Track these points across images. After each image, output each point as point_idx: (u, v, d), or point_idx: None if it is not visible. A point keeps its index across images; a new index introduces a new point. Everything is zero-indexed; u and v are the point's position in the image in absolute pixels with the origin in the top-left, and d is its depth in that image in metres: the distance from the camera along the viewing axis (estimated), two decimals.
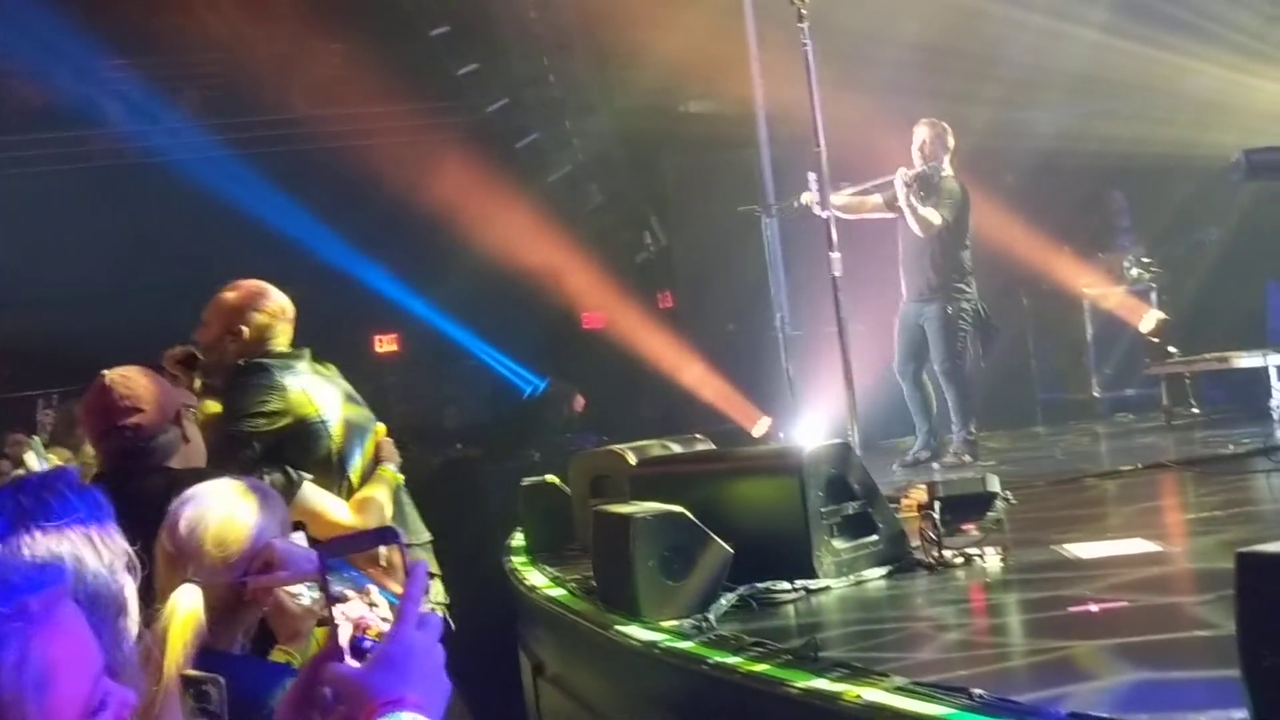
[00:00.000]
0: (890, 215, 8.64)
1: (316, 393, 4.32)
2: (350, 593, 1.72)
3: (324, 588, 1.70)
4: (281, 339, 4.40)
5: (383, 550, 1.79)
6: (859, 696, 3.24)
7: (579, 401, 13.04)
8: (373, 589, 1.72)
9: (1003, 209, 9.53)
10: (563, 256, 12.87)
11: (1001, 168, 8.90)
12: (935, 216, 8.37)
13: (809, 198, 7.72)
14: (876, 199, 8.65)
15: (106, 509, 1.98)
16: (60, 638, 1.25)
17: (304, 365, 4.38)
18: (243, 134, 12.76)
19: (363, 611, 1.71)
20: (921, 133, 8.52)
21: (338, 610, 1.68)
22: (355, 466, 4.33)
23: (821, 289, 9.10)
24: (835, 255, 6.70)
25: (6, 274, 11.46)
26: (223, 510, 2.69)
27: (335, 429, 4.29)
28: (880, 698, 3.24)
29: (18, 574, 1.28)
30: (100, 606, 1.46)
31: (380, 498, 4.31)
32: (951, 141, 8.59)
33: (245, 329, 4.34)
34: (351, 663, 1.65)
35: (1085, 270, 10.83)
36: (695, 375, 11.57)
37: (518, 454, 11.41)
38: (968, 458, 8.42)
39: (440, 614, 3.73)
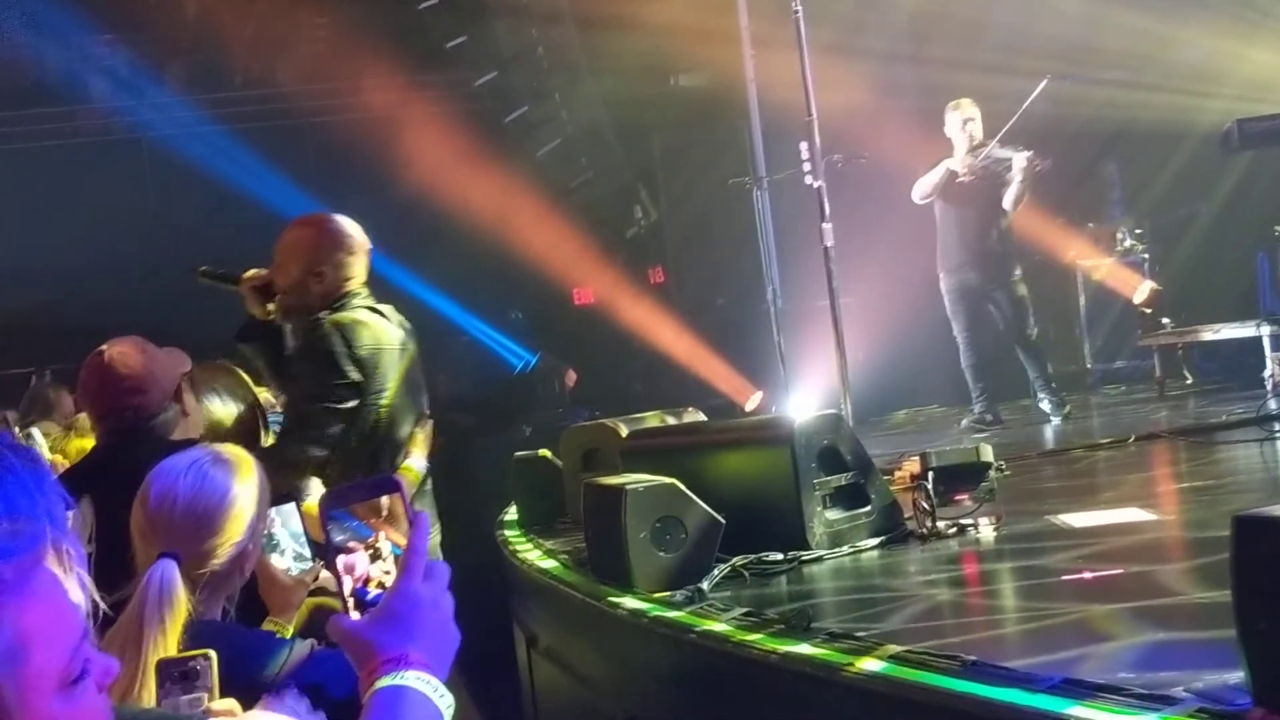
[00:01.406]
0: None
1: (384, 361, 4.20)
2: (353, 543, 1.70)
3: (326, 538, 1.68)
4: (359, 276, 4.26)
5: (384, 500, 1.76)
6: (853, 664, 3.23)
7: (570, 377, 13.03)
8: (382, 540, 1.70)
9: None
10: (553, 231, 12.83)
11: (991, 137, 8.87)
12: (1026, 193, 8.69)
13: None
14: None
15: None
16: (35, 606, 1.22)
17: (376, 318, 4.23)
18: (229, 109, 12.69)
19: (365, 563, 1.70)
20: (973, 111, 8.62)
21: (341, 561, 1.67)
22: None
23: (813, 262, 9.08)
24: (827, 226, 6.70)
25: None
26: (194, 480, 2.66)
27: (384, 406, 4.21)
28: (873, 666, 3.23)
29: None
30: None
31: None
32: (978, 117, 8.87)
33: (327, 269, 4.20)
34: (355, 615, 1.63)
35: (1077, 241, 10.81)
36: (687, 350, 11.55)
37: (509, 429, 11.39)
38: (1057, 419, 8.69)
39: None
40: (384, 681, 1.56)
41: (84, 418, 4.79)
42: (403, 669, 1.57)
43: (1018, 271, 8.92)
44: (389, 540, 1.73)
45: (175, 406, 3.73)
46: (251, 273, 4.26)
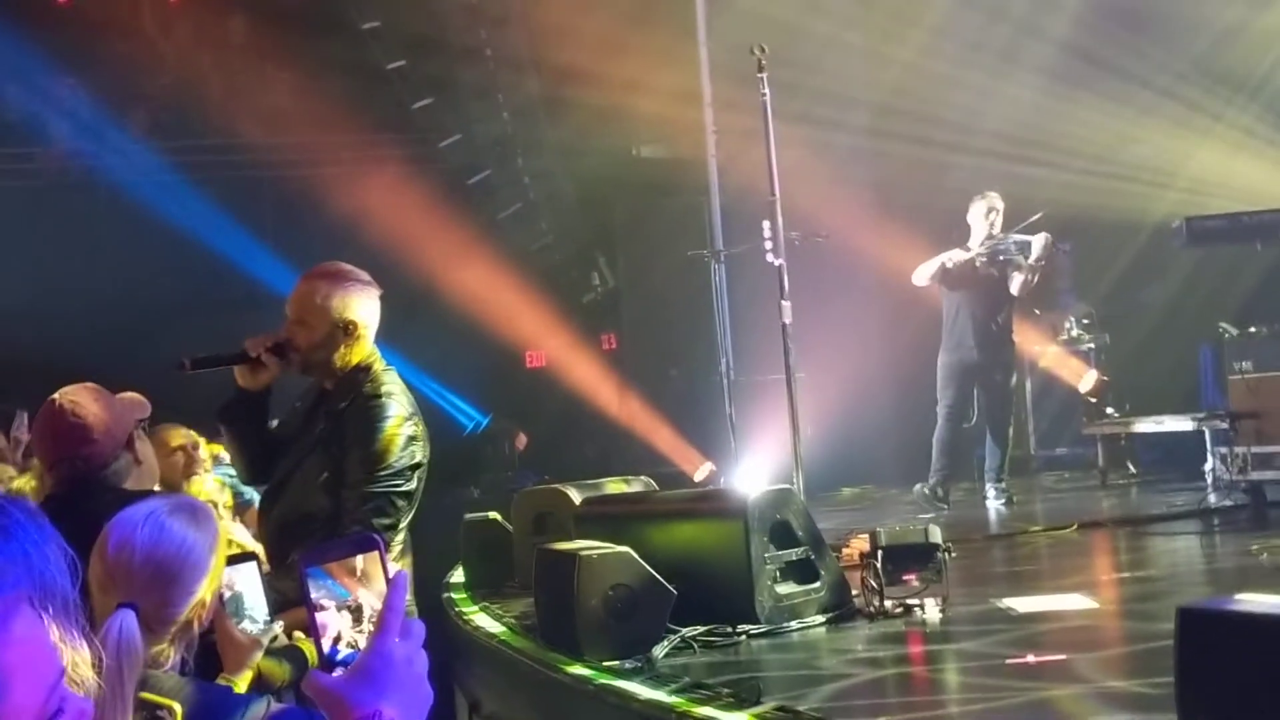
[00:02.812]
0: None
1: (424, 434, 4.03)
2: (327, 602, 1.72)
3: (304, 594, 1.71)
4: (375, 327, 4.03)
5: (359, 561, 1.78)
6: None
7: (521, 439, 13.03)
8: (362, 598, 1.73)
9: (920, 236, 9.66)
10: (509, 293, 12.88)
11: (948, 223, 9.05)
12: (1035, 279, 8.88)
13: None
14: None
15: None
16: (15, 644, 1.25)
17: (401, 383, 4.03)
18: (190, 157, 12.68)
19: (337, 622, 1.72)
20: (997, 203, 8.85)
21: (319, 619, 1.69)
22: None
23: (766, 336, 9.18)
24: (786, 304, 6.77)
25: None
26: (151, 530, 2.67)
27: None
28: None
29: None
30: (61, 612, 1.44)
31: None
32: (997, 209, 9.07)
33: (357, 324, 3.93)
34: (337, 673, 1.66)
35: (1025, 327, 10.97)
36: (638, 417, 11.60)
37: (456, 489, 11.37)
38: (1000, 505, 8.86)
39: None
40: None
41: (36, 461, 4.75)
42: None
43: (1012, 356, 9.16)
44: (366, 599, 1.76)
45: (127, 455, 3.71)
46: (254, 342, 3.96)
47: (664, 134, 11.78)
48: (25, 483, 5.45)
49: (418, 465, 3.91)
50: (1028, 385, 11.27)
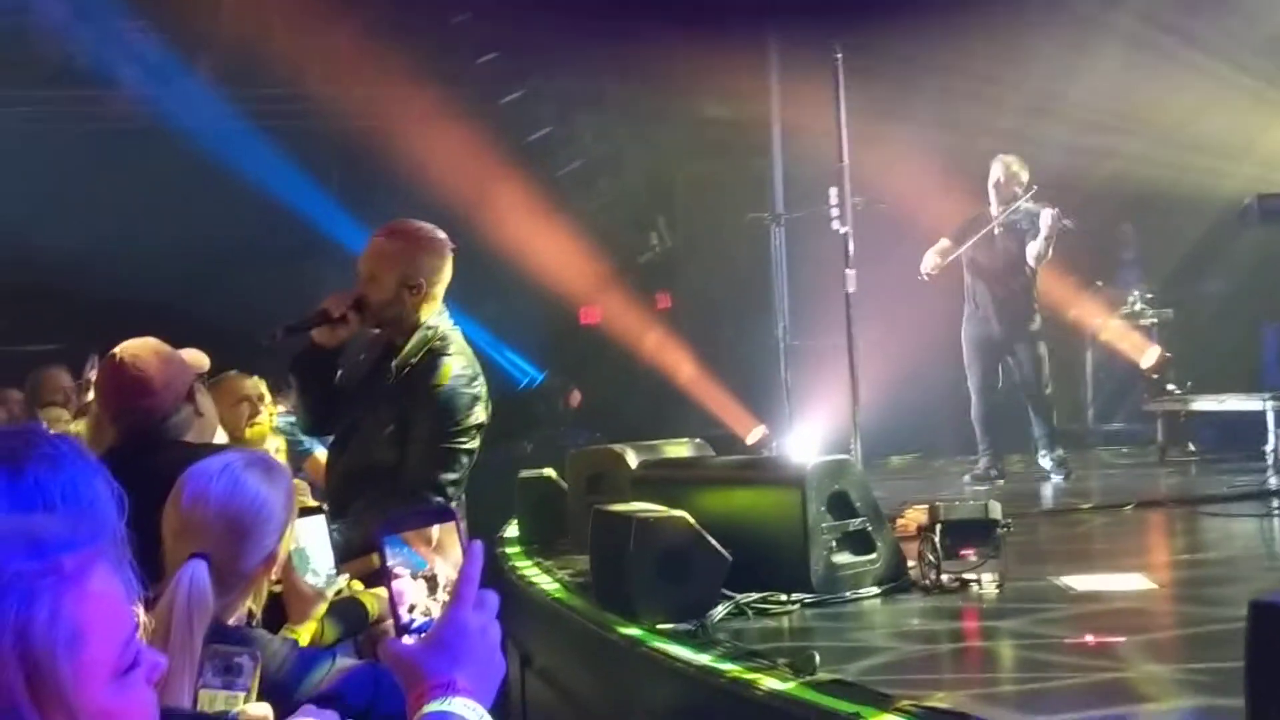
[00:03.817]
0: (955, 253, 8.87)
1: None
2: (402, 570, 1.75)
3: (381, 562, 1.73)
4: (447, 283, 4.15)
5: (435, 531, 1.80)
6: (859, 715, 3.26)
7: (575, 396, 13.04)
8: (438, 568, 1.75)
9: None
10: (566, 250, 12.86)
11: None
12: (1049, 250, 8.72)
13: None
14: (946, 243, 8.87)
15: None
16: (93, 598, 1.27)
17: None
18: (256, 105, 12.72)
19: (413, 590, 1.75)
20: (996, 170, 8.69)
21: (395, 586, 1.72)
22: None
23: (823, 302, 9.14)
24: (851, 272, 6.73)
25: (12, 227, 11.42)
26: (226, 484, 2.70)
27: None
28: (874, 717, 3.26)
29: (50, 532, 1.29)
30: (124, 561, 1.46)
31: None
32: (1025, 175, 8.84)
33: (424, 280, 4.04)
34: (407, 640, 1.69)
35: (1088, 300, 10.85)
36: (691, 378, 11.58)
37: (509, 444, 11.40)
38: (1058, 478, 8.71)
39: None
40: (431, 707, 1.61)
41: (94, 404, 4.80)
42: (450, 695, 1.61)
43: (1037, 326, 8.98)
44: (441, 568, 1.78)
45: (188, 408, 3.75)
46: (335, 301, 4.06)
47: (730, 94, 11.68)
48: (78, 427, 5.54)
49: (480, 425, 4.02)
50: (1088, 358, 11.17)
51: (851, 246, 6.99)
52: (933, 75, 10.45)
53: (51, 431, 5.35)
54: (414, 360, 4.02)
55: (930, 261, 8.76)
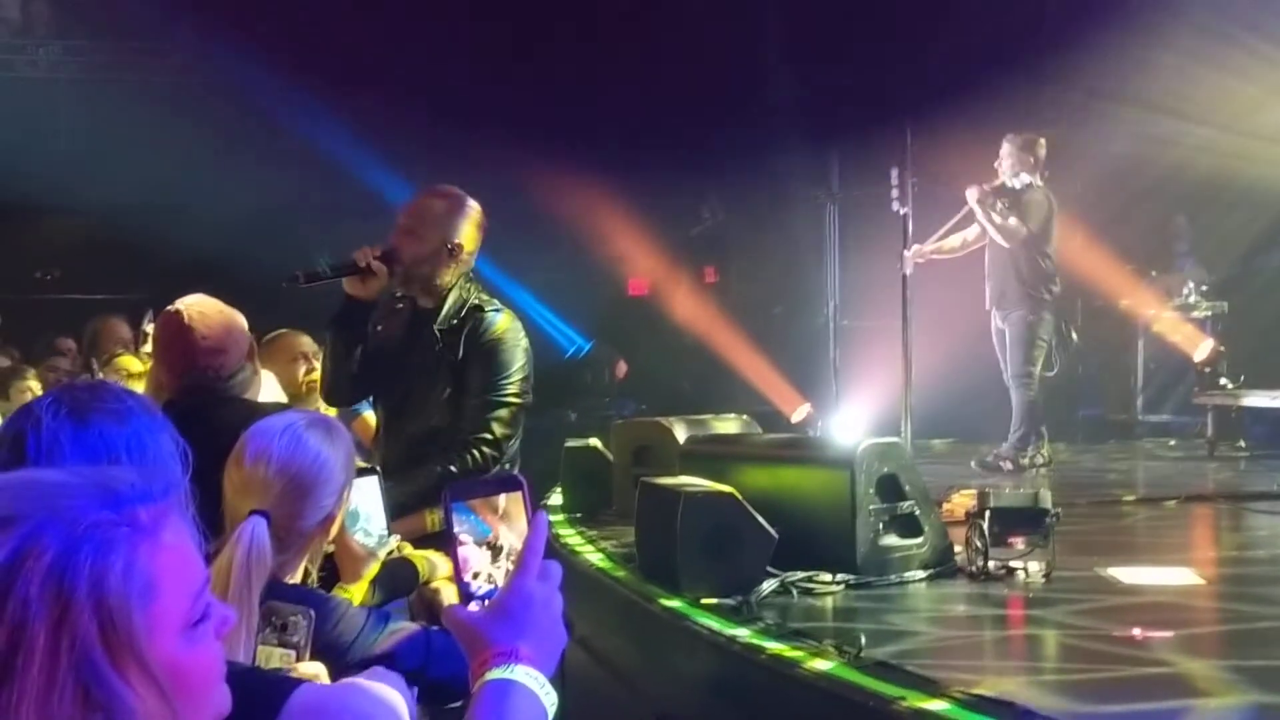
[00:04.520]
0: (981, 243, 8.69)
1: None
2: (467, 537, 1.76)
3: (447, 528, 1.75)
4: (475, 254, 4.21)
5: (501, 499, 1.81)
6: (905, 699, 3.26)
7: (621, 367, 13.05)
8: (503, 537, 1.76)
9: (1066, 218, 9.47)
10: (616, 220, 12.84)
11: (1071, 176, 8.85)
12: (1020, 227, 8.45)
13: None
14: (961, 236, 8.68)
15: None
16: (166, 550, 1.28)
17: None
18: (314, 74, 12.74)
19: (477, 558, 1.76)
20: (1004, 148, 8.56)
21: (460, 553, 1.73)
22: None
23: (874, 283, 9.11)
24: (908, 253, 6.69)
25: (64, 177, 11.51)
26: (288, 443, 2.72)
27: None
28: (929, 705, 3.26)
29: (126, 483, 1.30)
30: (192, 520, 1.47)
31: None
32: (1039, 153, 8.60)
33: (463, 243, 4.11)
34: (471, 607, 1.70)
35: (1143, 291, 10.75)
36: (737, 353, 11.56)
37: (555, 412, 11.43)
38: (1007, 464, 8.40)
39: None
40: (494, 674, 1.62)
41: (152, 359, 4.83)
42: (512, 663, 1.62)
43: (1020, 310, 8.60)
44: (506, 537, 1.79)
45: (249, 366, 3.78)
46: (363, 252, 4.06)
47: None
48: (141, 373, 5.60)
49: (528, 378, 4.09)
50: (1139, 348, 11.06)
51: (910, 227, 6.93)
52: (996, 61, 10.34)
53: (116, 382, 5.41)
54: (456, 320, 4.07)
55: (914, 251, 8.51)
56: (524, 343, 4.10)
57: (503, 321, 4.07)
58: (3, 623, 1.15)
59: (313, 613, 2.29)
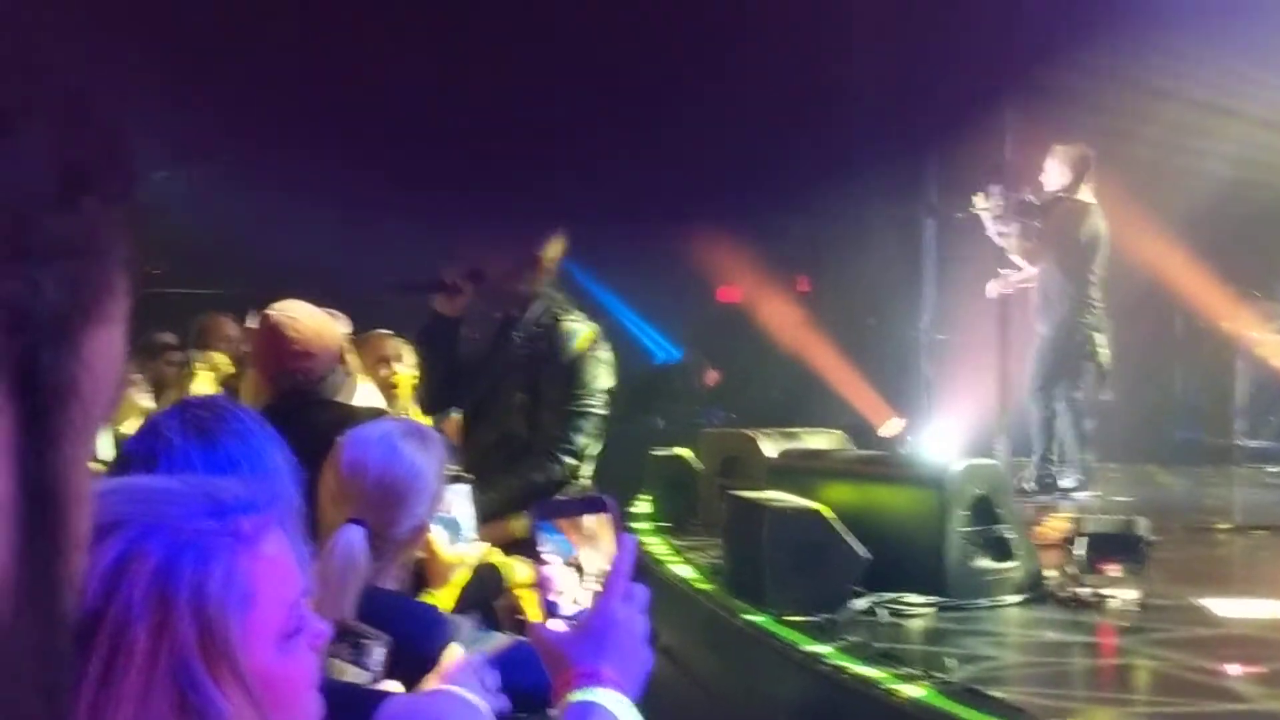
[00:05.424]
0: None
1: None
2: (552, 556, 1.76)
3: (534, 545, 1.75)
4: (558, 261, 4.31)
5: (588, 520, 1.81)
6: None
7: (711, 375, 13.02)
8: (583, 558, 1.76)
9: (1168, 236, 9.30)
10: (706, 225, 12.80)
11: (1174, 193, 8.66)
12: (1035, 246, 8.02)
13: (981, 203, 7.60)
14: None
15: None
16: (265, 561, 1.29)
17: None
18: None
19: (562, 577, 1.76)
20: (1048, 160, 8.10)
21: (544, 571, 1.74)
22: None
23: (970, 296, 8.97)
24: (993, 283, 6.58)
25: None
26: (384, 452, 2.74)
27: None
28: None
29: (230, 494, 1.32)
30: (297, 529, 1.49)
31: None
32: (1083, 167, 8.09)
33: (545, 258, 4.21)
34: (554, 624, 1.70)
35: (1245, 312, 10.51)
36: (828, 364, 11.47)
37: (643, 419, 11.43)
38: (1030, 485, 8.06)
39: None
40: (576, 695, 1.62)
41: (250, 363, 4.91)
42: (595, 685, 1.62)
43: (1040, 325, 8.15)
44: (591, 558, 1.79)
45: (340, 368, 3.83)
46: (450, 270, 4.20)
47: None
48: (233, 372, 5.68)
49: (610, 390, 4.14)
50: (1238, 371, 10.82)
51: (1010, 248, 6.82)
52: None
53: (209, 374, 5.49)
54: (537, 328, 4.14)
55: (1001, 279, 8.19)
56: (606, 355, 4.16)
57: (584, 333, 4.14)
58: (106, 625, 1.17)
59: (390, 640, 2.29)
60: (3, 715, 0.44)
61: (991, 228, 7.05)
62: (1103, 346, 8.12)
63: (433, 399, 4.48)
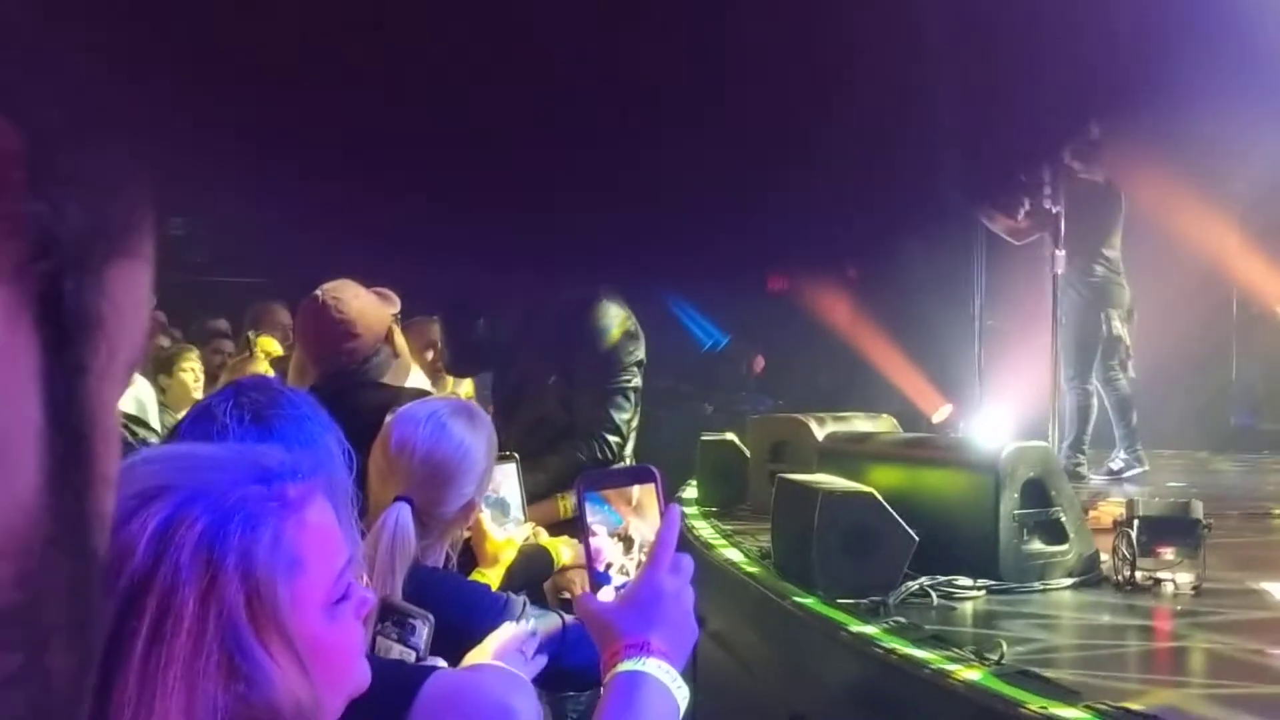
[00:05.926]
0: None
1: None
2: (599, 527, 1.76)
3: (580, 517, 1.76)
4: None
5: (634, 490, 1.80)
6: (1046, 709, 3.17)
7: (759, 362, 13.00)
8: (633, 529, 1.76)
9: (1227, 218, 9.18)
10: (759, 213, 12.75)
11: (1234, 178, 8.55)
12: (1020, 224, 7.97)
13: None
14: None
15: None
16: (310, 528, 1.30)
17: None
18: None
19: (609, 548, 1.76)
20: None
21: (592, 543, 1.74)
22: None
23: (1022, 281, 8.90)
24: (1061, 253, 6.53)
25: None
26: (432, 431, 2.75)
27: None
28: (1062, 711, 3.17)
29: (275, 461, 1.33)
30: (343, 504, 1.50)
31: None
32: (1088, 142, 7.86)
33: None
34: (601, 596, 1.70)
35: None
36: (877, 349, 11.41)
37: (691, 404, 11.43)
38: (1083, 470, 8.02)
39: None
40: (625, 666, 1.62)
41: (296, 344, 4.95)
42: (644, 656, 1.63)
43: (1070, 304, 8.00)
44: (638, 528, 1.78)
45: (387, 349, 3.84)
46: None
47: None
48: (282, 354, 5.71)
49: (640, 362, 4.11)
50: None
51: (1063, 226, 6.75)
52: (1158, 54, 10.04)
53: (263, 357, 5.53)
54: (561, 307, 4.18)
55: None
56: (630, 325, 4.20)
57: (605, 309, 4.18)
58: (154, 588, 1.17)
59: (432, 618, 2.30)
60: (35, 646, 0.44)
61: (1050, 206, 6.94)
62: (1120, 323, 8.02)
63: (458, 365, 4.58)
